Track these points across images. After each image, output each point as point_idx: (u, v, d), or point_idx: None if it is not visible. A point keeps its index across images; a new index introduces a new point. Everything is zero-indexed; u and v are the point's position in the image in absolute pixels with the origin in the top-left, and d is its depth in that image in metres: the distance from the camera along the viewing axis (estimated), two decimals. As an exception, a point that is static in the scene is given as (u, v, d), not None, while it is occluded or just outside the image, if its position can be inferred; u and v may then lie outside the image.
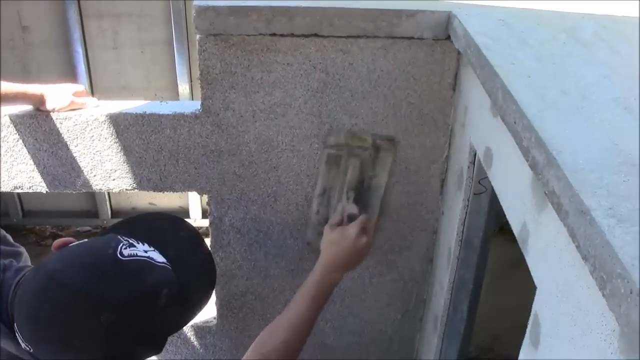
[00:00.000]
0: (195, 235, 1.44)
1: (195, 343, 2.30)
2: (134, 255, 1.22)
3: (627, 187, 0.85)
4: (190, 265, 1.34)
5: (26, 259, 1.61)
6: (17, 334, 1.17)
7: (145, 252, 1.25)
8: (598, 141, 0.97)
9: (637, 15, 1.64)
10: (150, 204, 4.08)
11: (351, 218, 1.75)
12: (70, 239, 1.30)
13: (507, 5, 1.70)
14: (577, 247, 0.82)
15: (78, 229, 4.17)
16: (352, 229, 1.66)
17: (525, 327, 1.15)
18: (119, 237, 1.26)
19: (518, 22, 1.55)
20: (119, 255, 1.20)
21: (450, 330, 1.92)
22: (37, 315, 1.15)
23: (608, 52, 1.37)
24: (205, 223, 1.87)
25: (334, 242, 1.66)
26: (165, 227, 1.43)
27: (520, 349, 1.18)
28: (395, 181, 1.90)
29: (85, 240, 1.30)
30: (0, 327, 1.22)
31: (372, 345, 2.29)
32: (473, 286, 1.83)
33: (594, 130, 1.01)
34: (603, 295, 0.75)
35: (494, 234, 1.81)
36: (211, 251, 2.05)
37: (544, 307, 1.07)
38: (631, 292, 0.68)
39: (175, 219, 1.46)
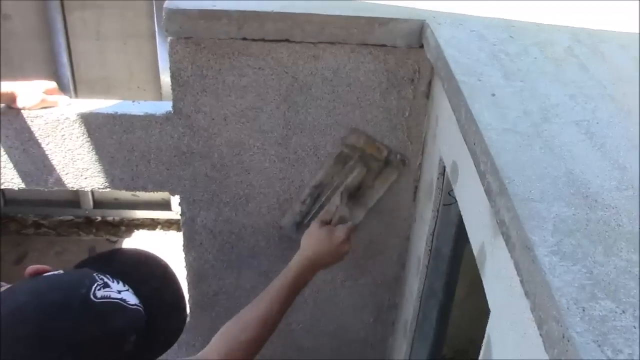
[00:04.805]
0: (169, 273, 1.39)
1: (167, 341, 2.28)
2: (106, 297, 1.15)
3: (574, 220, 0.84)
4: (162, 305, 1.29)
5: None
6: None
7: (119, 292, 1.19)
8: (553, 169, 0.96)
9: (612, 29, 1.63)
10: (133, 195, 4.02)
11: (340, 221, 1.75)
12: (46, 267, 1.23)
13: (482, 14, 1.67)
14: (521, 281, 0.82)
15: (60, 218, 4.11)
16: (341, 232, 1.67)
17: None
18: (94, 275, 1.20)
19: (491, 33, 1.53)
20: (91, 296, 1.13)
21: (420, 335, 1.91)
22: None
23: (578, 70, 1.36)
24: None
25: (319, 239, 1.66)
26: (140, 264, 1.37)
27: None
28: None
29: (60, 271, 1.23)
30: None
31: (345, 347, 2.28)
32: (443, 295, 1.82)
33: (551, 157, 1.00)
34: (540, 335, 0.74)
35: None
36: (184, 254, 2.05)
37: (496, 331, 1.06)
38: (563, 337, 0.67)
39: (151, 256, 1.42)
